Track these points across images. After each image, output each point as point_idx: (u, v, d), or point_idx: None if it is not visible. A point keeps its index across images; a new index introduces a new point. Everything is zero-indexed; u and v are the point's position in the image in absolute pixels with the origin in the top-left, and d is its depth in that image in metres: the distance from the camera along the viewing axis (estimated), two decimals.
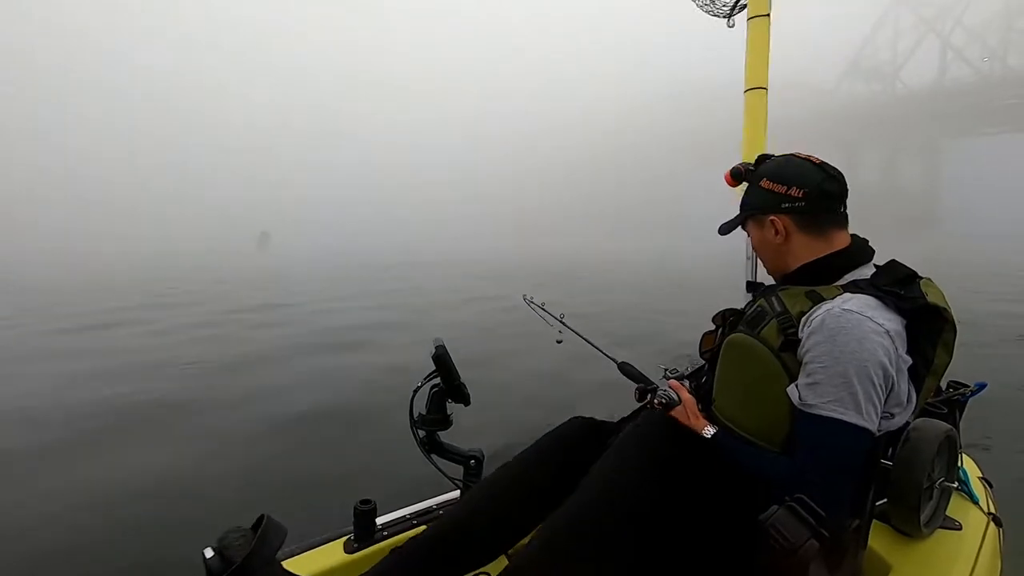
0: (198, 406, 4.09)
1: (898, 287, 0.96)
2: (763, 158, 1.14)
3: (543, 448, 1.22)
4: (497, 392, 4.30)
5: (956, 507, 1.35)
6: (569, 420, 1.28)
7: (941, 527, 1.28)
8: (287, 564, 1.12)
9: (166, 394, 4.41)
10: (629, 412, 1.35)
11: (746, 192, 1.15)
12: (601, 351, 1.55)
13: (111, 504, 2.58)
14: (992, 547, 1.29)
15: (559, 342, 1.63)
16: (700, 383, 1.23)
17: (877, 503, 1.09)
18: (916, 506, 1.18)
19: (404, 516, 1.39)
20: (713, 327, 1.24)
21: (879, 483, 1.04)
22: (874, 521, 1.13)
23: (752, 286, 1.51)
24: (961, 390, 1.46)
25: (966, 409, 1.43)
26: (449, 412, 1.37)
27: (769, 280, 1.20)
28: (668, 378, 1.26)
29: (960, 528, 1.30)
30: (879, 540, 1.21)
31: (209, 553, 0.88)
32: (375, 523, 1.32)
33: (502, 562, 1.16)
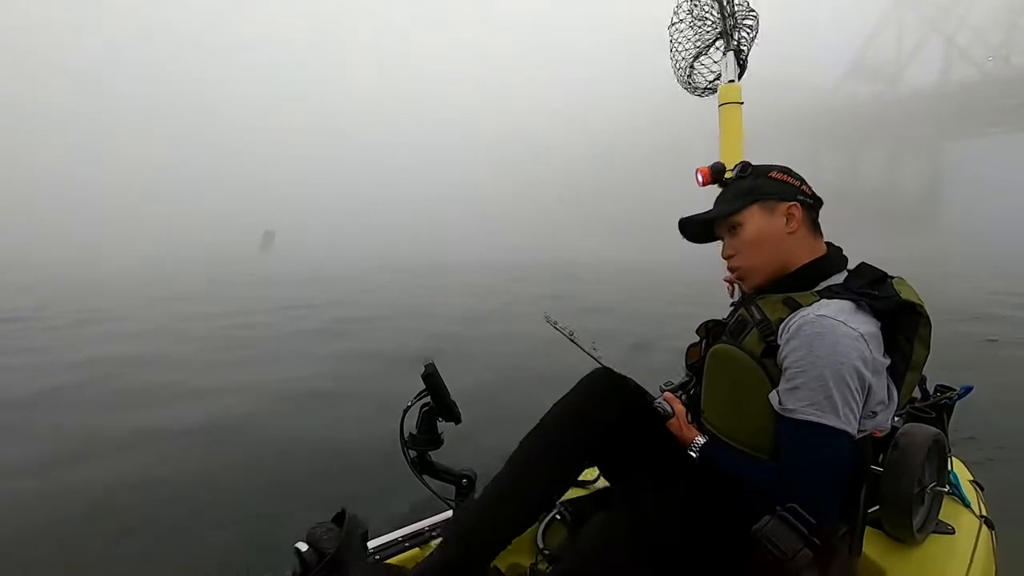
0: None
1: (871, 288, 0.98)
2: (746, 163, 1.14)
3: (574, 403, 1.16)
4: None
5: (948, 511, 1.36)
6: (594, 371, 1.22)
7: (934, 532, 1.29)
8: None
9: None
10: None
11: (747, 183, 1.10)
12: (601, 363, 1.52)
13: None
14: (985, 550, 1.29)
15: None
16: (689, 395, 1.24)
17: (869, 510, 1.10)
18: (908, 511, 1.19)
19: (396, 539, 1.37)
20: (697, 339, 1.25)
21: (870, 489, 1.05)
22: (868, 528, 1.13)
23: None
24: (948, 394, 1.48)
25: (953, 412, 1.45)
26: (440, 431, 1.36)
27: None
28: (663, 390, 1.26)
29: (953, 532, 1.30)
30: (873, 547, 1.21)
31: (303, 547, 0.91)
32: (367, 547, 1.30)
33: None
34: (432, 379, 1.31)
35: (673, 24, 1.95)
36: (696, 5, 1.88)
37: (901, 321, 0.97)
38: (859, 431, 0.93)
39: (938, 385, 1.51)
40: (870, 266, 1.05)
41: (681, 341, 1.32)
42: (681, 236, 1.21)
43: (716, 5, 1.81)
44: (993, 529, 1.39)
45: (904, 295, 0.97)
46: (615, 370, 1.22)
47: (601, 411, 1.12)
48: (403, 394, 1.31)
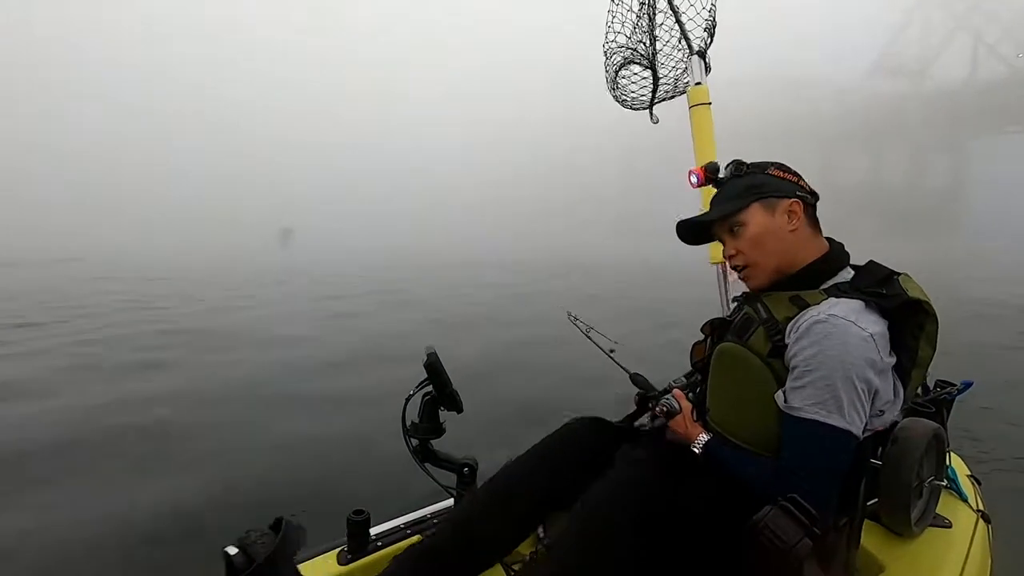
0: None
1: (879, 287, 0.97)
2: (739, 161, 1.12)
3: (542, 451, 1.22)
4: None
5: (945, 505, 1.37)
6: (568, 422, 1.28)
7: (931, 525, 1.29)
8: None
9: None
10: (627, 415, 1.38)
11: (743, 182, 1.08)
12: (618, 364, 1.54)
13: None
14: (982, 544, 1.30)
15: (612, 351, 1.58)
16: (695, 392, 1.24)
17: (868, 503, 1.10)
18: (906, 505, 1.19)
19: (398, 526, 1.38)
20: (703, 337, 1.25)
21: (869, 483, 1.05)
22: (866, 520, 1.14)
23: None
24: (948, 389, 1.49)
25: (953, 407, 1.45)
26: (442, 420, 1.37)
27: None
28: (672, 387, 1.27)
29: (950, 526, 1.31)
30: (871, 539, 1.22)
31: (233, 551, 0.89)
32: (369, 533, 1.31)
33: (498, 570, 1.17)
34: (434, 367, 1.31)
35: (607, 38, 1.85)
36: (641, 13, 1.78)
37: (908, 319, 0.96)
38: (866, 430, 0.94)
39: (938, 380, 1.51)
40: (878, 264, 1.04)
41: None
42: (678, 238, 1.19)
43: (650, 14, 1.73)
44: (990, 523, 1.40)
45: (911, 293, 0.96)
46: (627, 370, 1.24)
47: (569, 458, 1.18)
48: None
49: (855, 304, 0.95)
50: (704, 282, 1.76)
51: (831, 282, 1.03)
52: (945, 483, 1.36)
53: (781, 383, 0.97)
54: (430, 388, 1.34)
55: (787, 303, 1.01)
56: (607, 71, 1.92)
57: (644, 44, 1.80)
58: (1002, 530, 1.46)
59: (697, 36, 1.74)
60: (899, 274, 1.01)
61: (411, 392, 1.35)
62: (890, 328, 0.95)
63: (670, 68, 1.83)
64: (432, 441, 1.37)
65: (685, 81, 1.81)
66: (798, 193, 1.05)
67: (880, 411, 0.96)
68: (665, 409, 1.15)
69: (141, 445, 3.46)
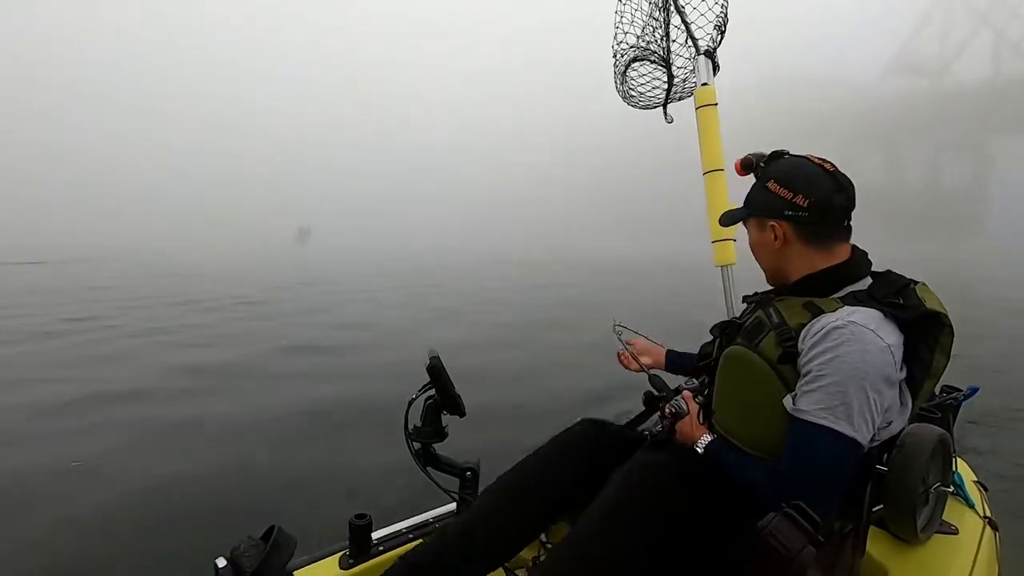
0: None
1: (896, 297, 0.96)
2: (777, 154, 1.10)
3: (548, 454, 1.22)
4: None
5: (952, 511, 1.35)
6: (575, 424, 1.28)
7: (938, 532, 1.28)
8: None
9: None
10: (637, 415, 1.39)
11: (753, 188, 1.11)
12: (641, 365, 1.52)
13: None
14: (989, 551, 1.29)
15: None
16: (704, 395, 1.24)
17: (873, 509, 1.09)
18: (912, 511, 1.18)
19: (400, 530, 1.38)
20: (711, 338, 1.24)
21: (875, 489, 1.04)
22: (871, 527, 1.13)
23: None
24: (954, 394, 1.47)
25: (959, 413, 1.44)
26: (444, 424, 1.37)
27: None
28: (682, 388, 1.26)
29: (957, 532, 1.30)
30: (877, 546, 1.21)
31: (221, 563, 0.88)
32: (371, 538, 1.30)
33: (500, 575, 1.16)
34: (436, 371, 1.31)
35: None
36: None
37: (925, 331, 0.95)
38: (873, 440, 0.93)
39: (944, 386, 1.50)
40: (895, 273, 1.02)
41: None
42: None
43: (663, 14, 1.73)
44: (997, 530, 1.38)
45: (928, 304, 0.95)
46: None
47: (573, 463, 1.19)
48: None
49: (874, 314, 0.93)
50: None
51: (847, 290, 1.01)
52: (951, 489, 1.34)
53: (789, 389, 0.96)
54: (433, 392, 1.34)
55: (800, 309, 0.99)
56: (615, 70, 1.92)
57: (655, 42, 1.81)
58: (1009, 537, 1.44)
59: (704, 35, 1.74)
60: (916, 283, 1.00)
61: (413, 396, 1.35)
62: (905, 340, 0.94)
63: (678, 68, 1.84)
64: (435, 445, 1.37)
65: (693, 81, 1.80)
66: (786, 212, 1.01)
67: (888, 421, 0.95)
68: (673, 411, 1.14)
69: None
